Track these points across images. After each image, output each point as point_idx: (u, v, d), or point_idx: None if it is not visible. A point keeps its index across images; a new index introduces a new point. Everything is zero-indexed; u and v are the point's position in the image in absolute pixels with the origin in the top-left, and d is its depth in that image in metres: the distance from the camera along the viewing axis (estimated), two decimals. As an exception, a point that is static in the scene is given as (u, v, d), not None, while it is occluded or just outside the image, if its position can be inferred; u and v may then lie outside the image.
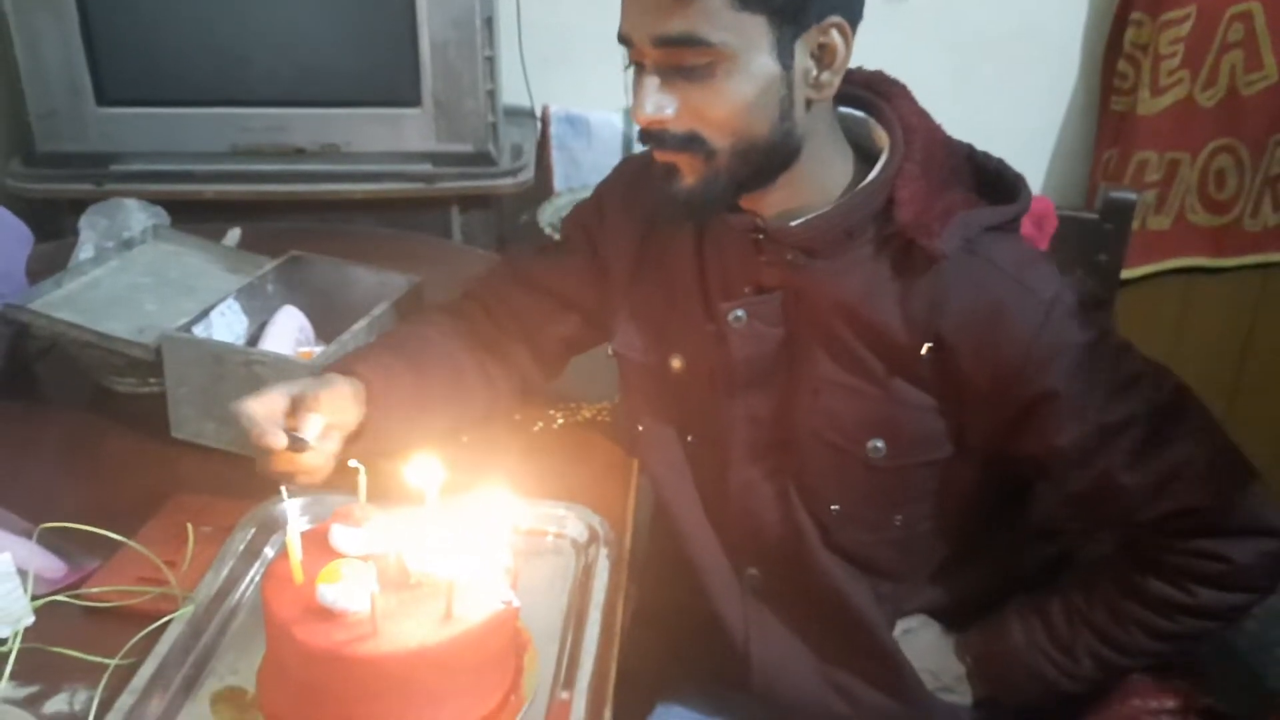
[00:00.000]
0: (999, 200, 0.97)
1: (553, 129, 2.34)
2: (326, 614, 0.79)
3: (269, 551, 1.03)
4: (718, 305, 1.01)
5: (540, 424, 1.27)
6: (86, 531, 1.00)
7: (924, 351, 0.94)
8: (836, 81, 0.93)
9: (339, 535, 0.87)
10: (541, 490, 1.08)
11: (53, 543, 1.01)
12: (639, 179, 1.10)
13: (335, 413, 0.97)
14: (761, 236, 0.97)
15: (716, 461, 1.06)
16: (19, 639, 0.91)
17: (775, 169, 0.94)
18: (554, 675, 0.89)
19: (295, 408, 0.95)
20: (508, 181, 1.94)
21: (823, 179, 0.97)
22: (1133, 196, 1.42)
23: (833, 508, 1.01)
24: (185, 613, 0.90)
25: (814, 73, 0.91)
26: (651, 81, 0.90)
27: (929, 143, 0.96)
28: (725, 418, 1.04)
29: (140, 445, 1.21)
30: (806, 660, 1.08)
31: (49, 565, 1.00)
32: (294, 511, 0.85)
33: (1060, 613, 1.03)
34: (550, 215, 2.21)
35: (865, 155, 0.98)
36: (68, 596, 0.96)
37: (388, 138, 1.87)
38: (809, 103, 0.92)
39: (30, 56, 1.76)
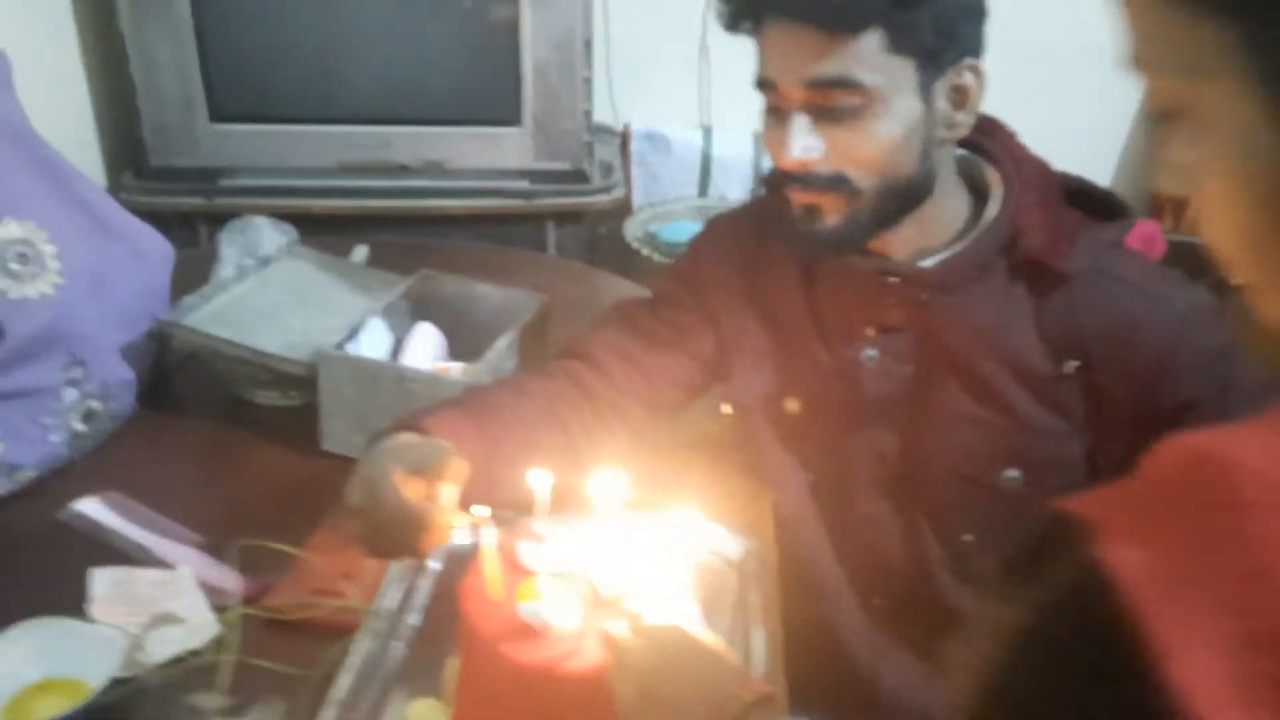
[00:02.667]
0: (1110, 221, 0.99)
1: (633, 145, 2.39)
2: (529, 631, 0.82)
3: (433, 564, 1.06)
4: (839, 346, 1.03)
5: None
6: (250, 544, 1.03)
7: (1067, 371, 0.96)
8: (970, 121, 0.95)
9: (526, 551, 0.90)
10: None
11: (218, 555, 1.05)
12: (732, 233, 1.12)
13: (460, 479, 0.93)
14: (894, 278, 0.98)
15: (841, 496, 1.08)
16: (214, 651, 0.95)
17: (911, 208, 0.96)
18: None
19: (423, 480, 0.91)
20: (601, 198, 1.98)
21: (947, 216, 0.99)
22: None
23: (965, 538, 1.03)
24: (375, 626, 0.94)
25: (950, 113, 0.93)
26: (801, 123, 0.91)
27: (1040, 173, 0.99)
28: (849, 455, 1.05)
29: (287, 457, 1.25)
30: (935, 686, 1.08)
31: (223, 577, 1.03)
32: (489, 528, 0.88)
33: None
34: (635, 229, 2.25)
35: (974, 190, 1.01)
36: (255, 610, 0.99)
37: (488, 155, 1.91)
38: (940, 142, 0.95)
39: (146, 73, 1.81)
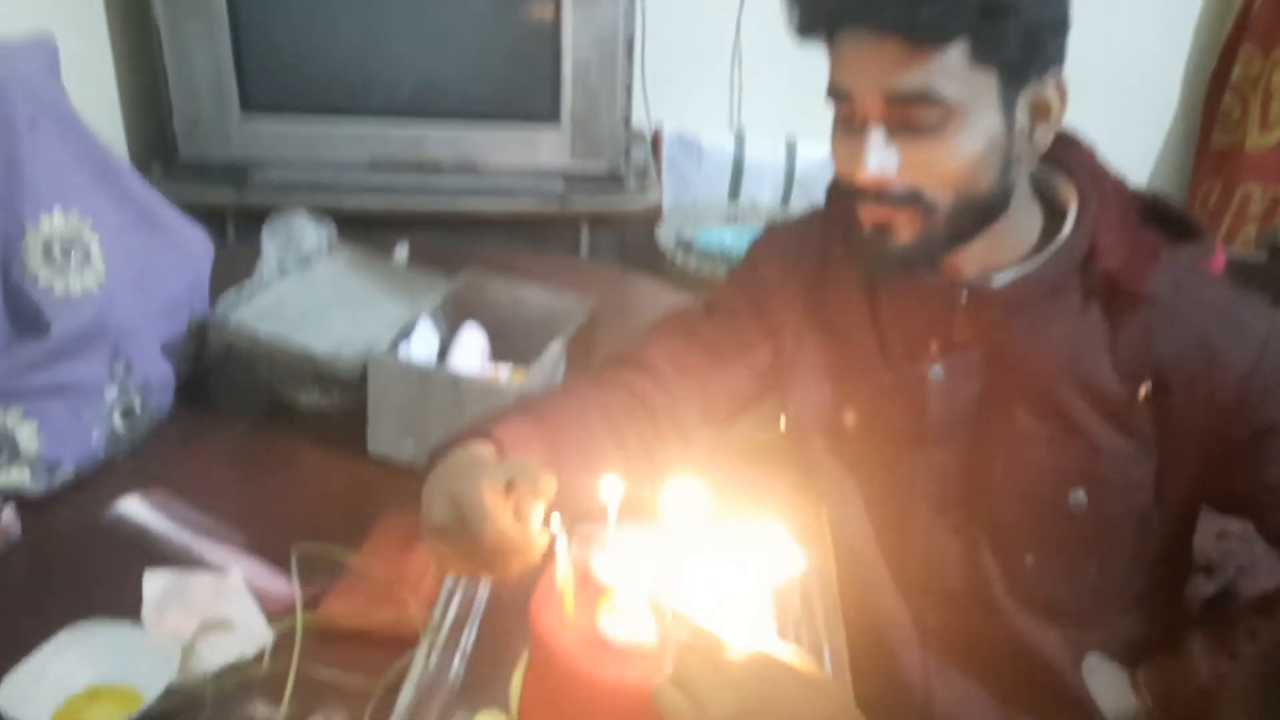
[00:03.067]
0: (1186, 242, 0.96)
1: (664, 149, 2.36)
2: (607, 648, 0.79)
3: (491, 575, 1.03)
4: (903, 363, 1.00)
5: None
6: (307, 547, 1.00)
7: (1141, 394, 0.94)
8: (1050, 137, 0.92)
9: (600, 565, 0.87)
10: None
11: (267, 558, 1.02)
12: (793, 243, 1.10)
13: (550, 497, 0.85)
14: (964, 295, 0.95)
15: (897, 513, 1.05)
16: (267, 660, 0.91)
17: (986, 224, 0.93)
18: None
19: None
20: (637, 201, 1.95)
21: (1020, 232, 0.96)
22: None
23: (1026, 559, 1.00)
24: (435, 638, 0.91)
25: (1031, 128, 0.90)
26: (878, 138, 0.88)
27: (1118, 190, 0.96)
28: (907, 471, 1.03)
29: (331, 460, 1.22)
30: (988, 707, 1.06)
31: (274, 583, 1.00)
32: (562, 540, 0.85)
33: (1248, 642, 1.01)
34: (667, 235, 2.22)
35: (1047, 206, 0.98)
36: (312, 617, 0.96)
37: (523, 154, 1.88)
38: (1019, 158, 0.91)
39: (180, 65, 1.78)
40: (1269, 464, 0.93)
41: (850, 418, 1.05)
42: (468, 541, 0.80)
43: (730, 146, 2.37)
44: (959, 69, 0.85)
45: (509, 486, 0.82)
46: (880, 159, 0.88)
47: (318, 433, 1.25)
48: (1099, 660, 1.09)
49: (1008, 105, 0.88)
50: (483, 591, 1.00)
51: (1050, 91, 0.90)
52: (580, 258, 1.97)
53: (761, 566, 0.84)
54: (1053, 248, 0.95)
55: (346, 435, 1.22)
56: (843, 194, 0.96)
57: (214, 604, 0.94)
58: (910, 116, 0.86)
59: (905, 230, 0.91)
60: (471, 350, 1.27)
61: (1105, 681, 1.08)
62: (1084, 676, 1.06)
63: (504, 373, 1.28)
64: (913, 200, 0.89)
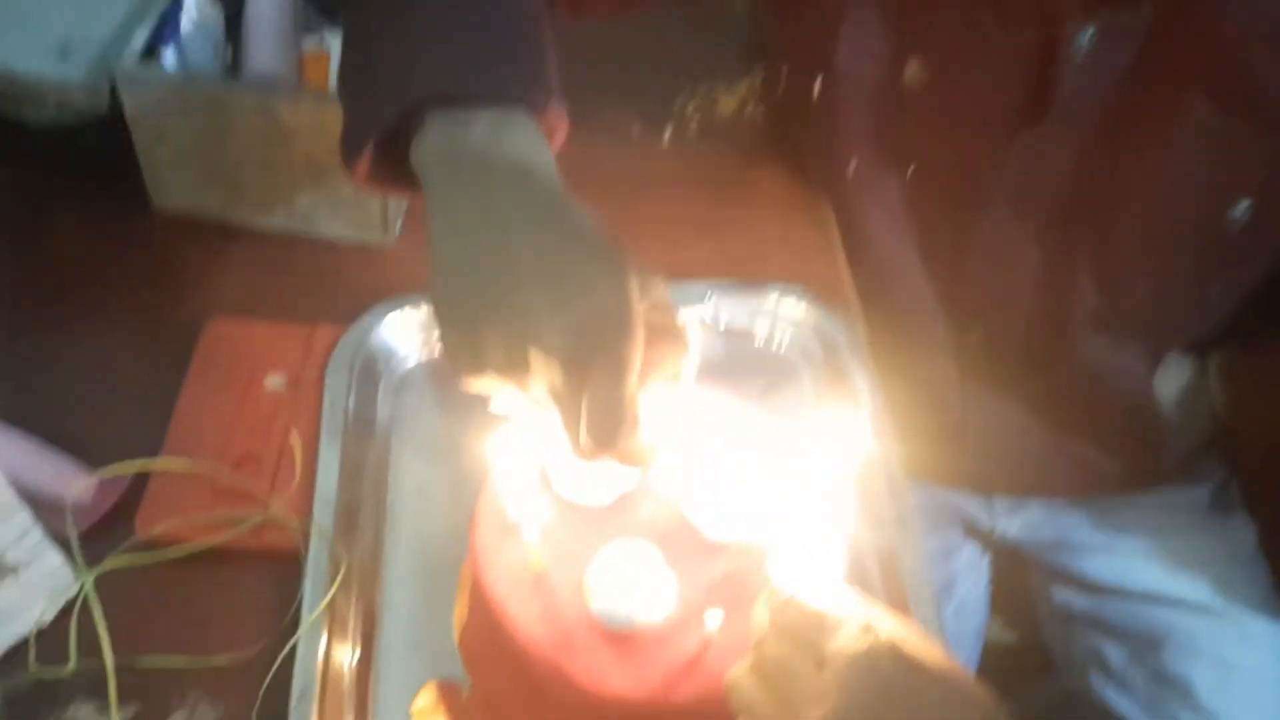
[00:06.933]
0: None
1: None
2: (602, 632, 0.51)
3: (382, 411, 0.71)
4: (1027, 20, 0.70)
5: (669, 128, 0.91)
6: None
7: None
8: None
9: (565, 477, 0.56)
10: (710, 255, 0.80)
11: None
12: None
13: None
14: None
15: (952, 207, 0.81)
16: (75, 628, 0.60)
17: None
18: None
19: None
20: None
21: None
22: None
23: (1139, 285, 0.79)
24: (330, 554, 0.61)
25: None
26: None
27: None
28: (985, 155, 0.77)
29: (98, 229, 0.81)
30: (1037, 437, 0.91)
31: (50, 475, 0.66)
32: (513, 448, 0.53)
33: None
34: None
35: None
36: (123, 552, 0.64)
37: None
38: None
39: None
40: None
41: (915, 67, 0.77)
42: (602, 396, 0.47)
43: None
44: None
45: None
46: None
47: (69, 179, 0.83)
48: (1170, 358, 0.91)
49: None
50: (376, 449, 0.69)
51: None
52: None
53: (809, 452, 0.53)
54: None
55: (113, 172, 0.81)
56: None
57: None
58: None
59: None
60: (270, 11, 0.82)
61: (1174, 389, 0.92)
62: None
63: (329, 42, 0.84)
64: None
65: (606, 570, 0.51)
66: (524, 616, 0.52)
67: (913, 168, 0.81)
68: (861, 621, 0.45)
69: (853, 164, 0.83)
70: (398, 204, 0.81)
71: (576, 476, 0.55)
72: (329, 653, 0.59)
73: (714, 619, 0.49)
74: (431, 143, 0.51)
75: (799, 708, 0.44)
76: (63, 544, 0.63)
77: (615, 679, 0.50)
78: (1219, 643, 0.89)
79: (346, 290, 0.77)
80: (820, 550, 0.49)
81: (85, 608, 0.61)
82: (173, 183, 0.78)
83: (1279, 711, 0.87)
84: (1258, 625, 0.89)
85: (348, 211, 0.79)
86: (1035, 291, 0.81)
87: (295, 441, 0.67)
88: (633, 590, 0.50)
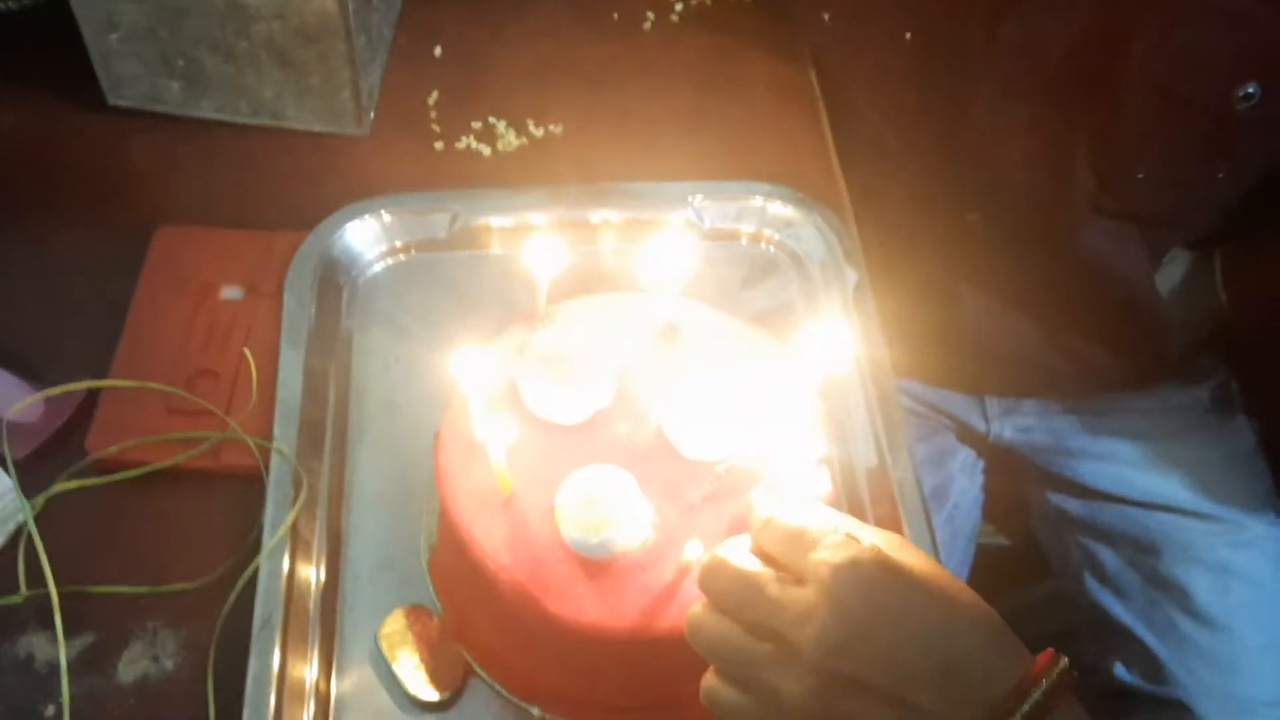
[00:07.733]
0: None
1: None
2: (576, 559, 0.48)
3: (345, 323, 0.67)
4: None
5: (651, 16, 0.85)
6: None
7: None
8: None
9: (535, 393, 0.52)
10: (696, 151, 0.75)
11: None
12: None
13: None
14: None
15: (947, 81, 0.76)
16: (22, 558, 0.57)
17: None
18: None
19: None
20: None
21: None
22: None
23: (1137, 173, 0.74)
24: (300, 481, 0.58)
25: None
26: None
27: None
28: (980, 36, 0.72)
29: (44, 122, 0.76)
30: (1032, 337, 0.88)
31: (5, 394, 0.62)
32: (481, 362, 0.49)
33: None
34: None
35: None
36: (73, 475, 0.60)
37: None
38: None
39: None
40: None
41: None
42: None
43: None
44: None
45: None
46: None
47: (12, 70, 0.78)
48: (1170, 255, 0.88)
49: None
50: (359, 381, 0.66)
51: None
52: None
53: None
54: None
55: (67, 67, 0.75)
56: None
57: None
58: None
59: None
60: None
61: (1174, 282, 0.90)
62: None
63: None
64: None
65: (578, 498, 0.48)
66: (493, 541, 0.48)
67: (909, 34, 0.76)
68: (844, 532, 0.42)
69: (826, 15, 0.79)
70: (371, 91, 0.76)
71: (547, 392, 0.52)
72: (292, 577, 0.56)
73: (693, 549, 0.46)
74: None
75: (787, 631, 0.41)
76: (5, 467, 0.59)
77: (590, 608, 0.47)
78: (1217, 547, 0.87)
79: (312, 192, 0.72)
80: (805, 468, 0.46)
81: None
82: (125, 74, 0.73)
83: (1277, 614, 0.86)
84: (1256, 529, 0.87)
85: (317, 101, 0.74)
86: (1033, 178, 0.77)
87: (252, 356, 0.63)
88: (606, 519, 0.47)
